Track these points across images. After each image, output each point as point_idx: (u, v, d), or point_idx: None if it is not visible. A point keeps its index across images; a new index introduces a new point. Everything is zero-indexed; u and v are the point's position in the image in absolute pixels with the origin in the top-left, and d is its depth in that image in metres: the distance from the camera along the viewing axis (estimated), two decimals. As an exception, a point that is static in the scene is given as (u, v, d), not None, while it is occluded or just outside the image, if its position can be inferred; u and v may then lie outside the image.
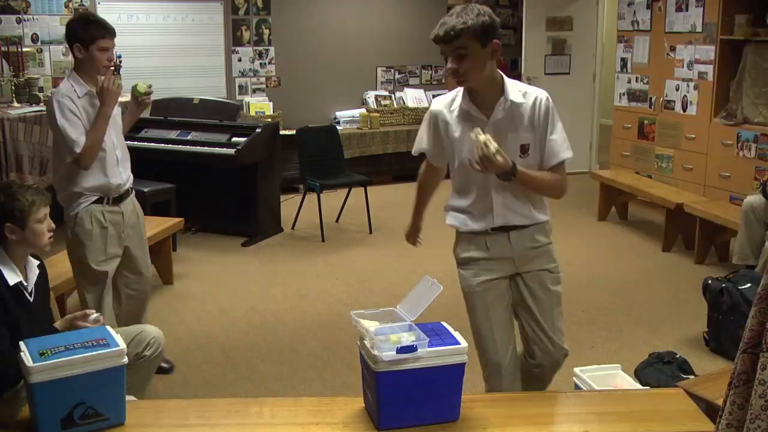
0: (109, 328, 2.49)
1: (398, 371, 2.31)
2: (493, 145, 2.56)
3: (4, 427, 2.41)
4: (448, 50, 2.72)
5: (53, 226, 2.83)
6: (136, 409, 2.45)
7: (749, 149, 6.06)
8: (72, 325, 2.69)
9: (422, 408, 2.36)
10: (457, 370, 2.37)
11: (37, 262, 2.83)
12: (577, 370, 3.24)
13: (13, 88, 6.39)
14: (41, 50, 7.28)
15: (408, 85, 8.93)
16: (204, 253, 5.96)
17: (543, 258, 2.98)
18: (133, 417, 2.39)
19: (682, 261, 5.71)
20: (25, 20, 7.17)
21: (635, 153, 7.32)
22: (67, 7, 7.36)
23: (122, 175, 3.77)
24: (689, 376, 3.39)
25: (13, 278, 2.63)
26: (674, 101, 6.86)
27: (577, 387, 3.20)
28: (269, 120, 7.39)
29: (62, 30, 7.36)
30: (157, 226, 5.06)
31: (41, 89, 6.63)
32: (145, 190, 5.81)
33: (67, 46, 3.53)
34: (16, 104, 6.27)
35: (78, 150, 3.42)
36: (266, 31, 8.27)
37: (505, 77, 2.78)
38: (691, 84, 6.66)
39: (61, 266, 4.00)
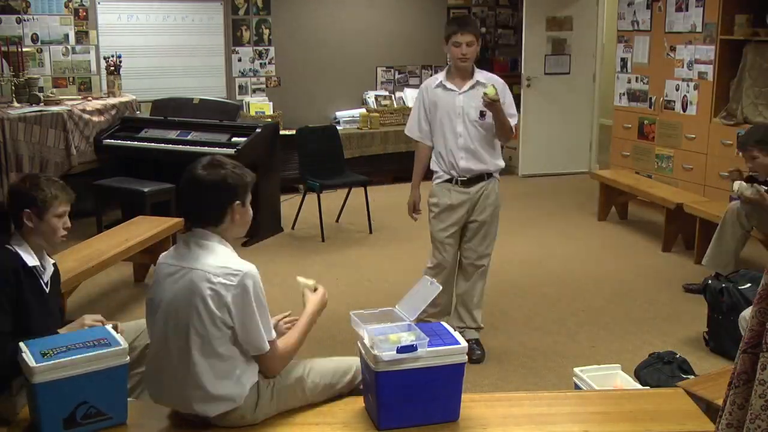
0: (109, 328, 2.49)
1: (398, 371, 2.31)
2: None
3: (5, 424, 2.41)
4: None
5: (69, 225, 2.84)
6: (137, 409, 2.45)
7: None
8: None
9: (422, 408, 2.37)
10: (457, 370, 2.38)
11: (53, 261, 2.85)
12: (577, 370, 3.24)
13: (13, 88, 6.39)
14: (41, 50, 7.29)
15: (408, 85, 8.93)
16: (204, 253, 5.95)
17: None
18: (133, 416, 2.39)
19: (682, 261, 5.71)
20: (25, 20, 7.17)
21: (635, 153, 7.32)
22: (67, 7, 7.36)
23: None
24: (689, 376, 3.38)
25: (30, 261, 2.65)
26: (674, 101, 6.86)
27: (577, 387, 3.20)
28: (269, 120, 7.39)
29: (62, 30, 7.40)
30: (157, 226, 5.07)
31: (41, 89, 6.62)
32: (145, 190, 5.82)
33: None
34: (16, 104, 6.27)
35: None
36: (266, 31, 8.27)
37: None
38: (691, 84, 6.66)
39: (62, 266, 3.99)
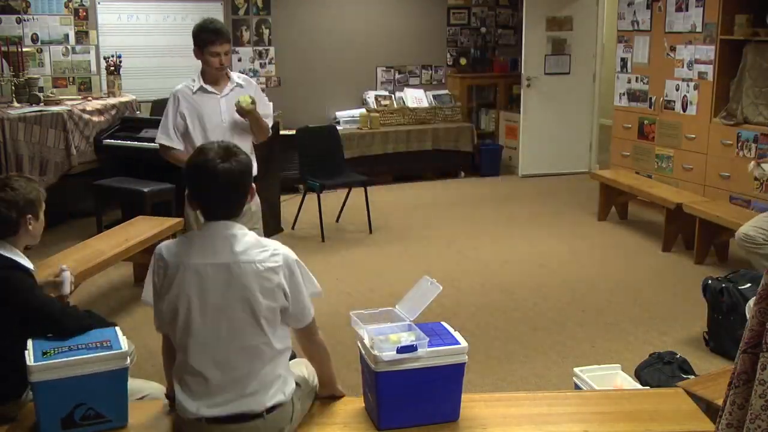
0: (118, 330, 2.47)
1: (398, 371, 2.31)
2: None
3: (10, 421, 2.41)
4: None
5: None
6: (136, 409, 2.45)
7: (749, 149, 6.06)
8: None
9: (422, 408, 2.37)
10: (457, 370, 2.38)
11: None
12: (577, 370, 3.24)
13: (13, 88, 6.39)
14: (41, 50, 7.29)
15: (408, 85, 8.93)
16: (204, 253, 5.95)
17: None
18: (133, 417, 2.39)
19: (682, 261, 5.71)
20: (25, 20, 7.18)
21: (635, 153, 7.32)
22: (67, 7, 7.36)
23: None
24: (689, 376, 3.38)
25: (28, 264, 2.65)
26: (674, 101, 6.86)
27: (577, 387, 3.20)
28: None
29: (62, 30, 7.40)
30: (157, 226, 5.07)
31: (41, 89, 6.63)
32: (145, 190, 5.82)
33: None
34: (16, 104, 6.27)
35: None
36: (266, 31, 8.27)
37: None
38: (691, 84, 6.66)
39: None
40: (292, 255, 2.36)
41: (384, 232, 6.46)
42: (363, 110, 8.46)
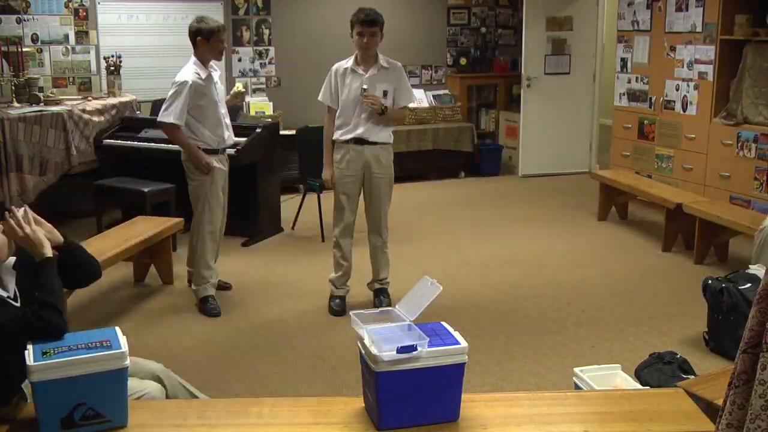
0: (118, 329, 2.46)
1: (398, 371, 2.31)
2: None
3: (10, 422, 2.42)
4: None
5: None
6: (136, 409, 2.45)
7: (749, 149, 6.06)
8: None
9: (422, 408, 2.37)
10: (457, 370, 2.38)
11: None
12: (577, 370, 3.24)
13: (13, 88, 6.39)
14: (41, 50, 7.29)
15: (408, 85, 8.92)
16: (204, 253, 5.95)
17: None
18: (133, 417, 2.39)
19: (682, 261, 5.71)
20: (25, 20, 7.18)
21: (635, 153, 7.32)
22: (67, 7, 7.36)
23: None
24: (689, 376, 3.39)
25: None
26: (674, 101, 6.86)
27: (577, 387, 3.20)
28: (269, 120, 7.39)
29: (62, 30, 7.40)
30: (157, 226, 5.07)
31: (41, 89, 6.63)
32: (145, 190, 5.82)
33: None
34: (16, 104, 6.27)
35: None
36: (266, 31, 8.27)
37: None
38: (691, 84, 6.66)
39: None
40: None
41: (384, 232, 6.45)
42: (363, 110, 8.45)
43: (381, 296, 4.86)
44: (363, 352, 2.42)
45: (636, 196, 6.59)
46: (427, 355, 2.33)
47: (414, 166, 8.51)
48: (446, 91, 8.96)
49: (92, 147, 6.40)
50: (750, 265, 4.39)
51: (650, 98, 7.14)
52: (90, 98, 6.87)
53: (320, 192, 6.34)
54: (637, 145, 7.29)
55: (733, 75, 6.31)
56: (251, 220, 6.29)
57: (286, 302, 4.99)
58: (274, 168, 6.44)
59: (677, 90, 6.82)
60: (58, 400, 2.26)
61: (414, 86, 8.91)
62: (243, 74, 8.23)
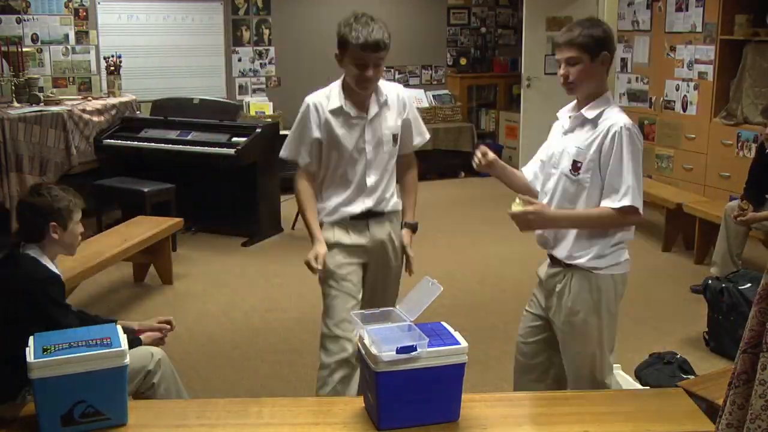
0: (119, 328, 2.47)
1: (398, 371, 2.31)
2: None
3: (10, 420, 2.42)
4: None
5: (83, 230, 2.87)
6: (136, 409, 2.45)
7: (749, 149, 6.06)
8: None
9: (422, 408, 2.36)
10: (457, 370, 2.37)
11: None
12: (577, 370, 3.23)
13: (13, 88, 6.38)
14: (41, 50, 7.29)
15: (408, 85, 8.92)
16: (204, 253, 5.96)
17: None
18: (133, 416, 2.39)
19: (682, 261, 5.70)
20: (25, 20, 7.18)
21: (635, 153, 7.31)
22: (67, 7, 7.36)
23: None
24: (689, 376, 3.38)
25: (55, 269, 2.72)
26: (674, 101, 6.86)
27: (577, 387, 3.19)
28: (269, 120, 7.39)
29: (62, 30, 7.39)
30: (157, 226, 5.07)
31: (41, 89, 6.62)
32: (145, 190, 5.82)
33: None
34: (16, 104, 6.27)
35: None
36: (266, 31, 8.27)
37: None
38: (691, 84, 6.66)
39: (62, 266, 3.99)
40: None
41: (384, 232, 6.45)
42: (363, 110, 8.45)
43: None
44: (363, 352, 2.42)
45: (636, 196, 6.57)
46: (427, 355, 2.33)
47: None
48: (446, 91, 8.96)
49: (92, 147, 6.40)
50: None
51: (650, 98, 7.14)
52: (90, 98, 6.87)
53: (320, 192, 6.33)
54: (637, 145, 7.28)
55: (733, 75, 6.31)
56: (251, 220, 6.29)
57: (286, 302, 4.99)
58: (274, 168, 6.44)
59: (677, 90, 6.82)
60: (57, 397, 2.26)
61: (414, 86, 8.98)
62: (243, 74, 8.23)
